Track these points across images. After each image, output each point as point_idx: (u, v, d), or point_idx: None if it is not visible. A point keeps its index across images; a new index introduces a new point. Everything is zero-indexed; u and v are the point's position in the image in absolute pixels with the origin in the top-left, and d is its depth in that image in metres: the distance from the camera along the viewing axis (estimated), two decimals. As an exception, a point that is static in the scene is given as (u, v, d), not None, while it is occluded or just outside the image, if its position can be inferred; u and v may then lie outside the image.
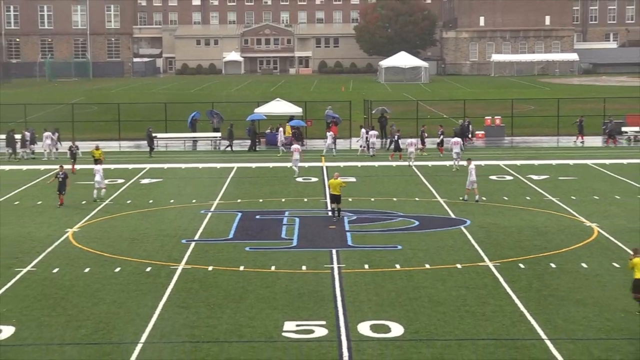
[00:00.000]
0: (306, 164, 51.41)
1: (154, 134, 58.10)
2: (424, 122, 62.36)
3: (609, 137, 60.95)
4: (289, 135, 58.71)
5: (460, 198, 40.20)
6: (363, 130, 57.58)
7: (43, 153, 55.62)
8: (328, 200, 37.65)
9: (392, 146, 55.26)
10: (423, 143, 55.57)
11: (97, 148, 48.06)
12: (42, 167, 51.35)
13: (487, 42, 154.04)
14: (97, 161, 44.73)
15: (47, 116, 70.98)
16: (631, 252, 24.27)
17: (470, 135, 60.26)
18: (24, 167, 51.82)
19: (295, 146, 50.01)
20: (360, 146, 57.07)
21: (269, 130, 61.50)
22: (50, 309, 23.92)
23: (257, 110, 63.95)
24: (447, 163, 50.18)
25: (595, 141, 62.52)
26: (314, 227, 34.35)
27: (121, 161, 53.51)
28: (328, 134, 57.75)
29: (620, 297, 24.69)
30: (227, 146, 59.01)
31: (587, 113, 66.37)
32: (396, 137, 55.30)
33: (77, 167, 48.48)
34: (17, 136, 56.53)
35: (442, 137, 55.84)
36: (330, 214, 36.26)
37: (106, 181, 40.23)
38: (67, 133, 61.21)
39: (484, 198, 39.94)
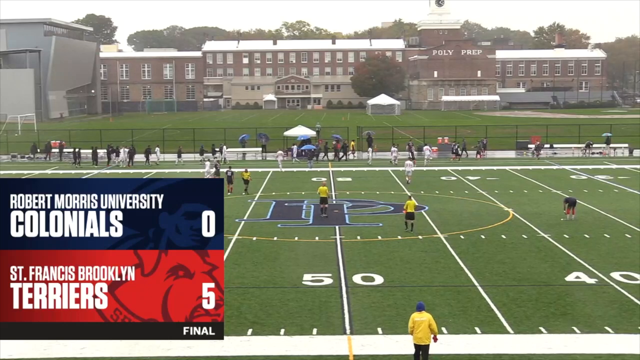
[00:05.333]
0: (318, 169, 51.37)
1: (228, 149, 59.20)
2: (397, 141, 62.18)
3: (455, 154, 57.97)
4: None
5: (407, 181, 42.36)
6: (394, 148, 55.54)
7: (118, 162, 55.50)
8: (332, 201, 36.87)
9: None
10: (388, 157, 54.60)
11: (246, 171, 41.65)
12: (128, 171, 51.55)
13: (439, 88, 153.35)
14: (245, 181, 40.21)
15: (147, 137, 71.08)
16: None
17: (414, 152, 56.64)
18: (120, 171, 51.84)
19: (280, 152, 51.12)
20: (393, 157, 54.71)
21: (294, 146, 60.24)
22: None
23: (285, 133, 63.69)
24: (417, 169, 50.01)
25: (510, 154, 62.28)
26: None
27: (196, 166, 53.53)
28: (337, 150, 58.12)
29: (527, 258, 24.63)
30: (335, 155, 57.96)
31: (505, 136, 66.40)
32: (462, 145, 58.55)
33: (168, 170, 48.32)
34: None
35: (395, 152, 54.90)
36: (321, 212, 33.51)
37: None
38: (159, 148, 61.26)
39: (421, 191, 39.83)
